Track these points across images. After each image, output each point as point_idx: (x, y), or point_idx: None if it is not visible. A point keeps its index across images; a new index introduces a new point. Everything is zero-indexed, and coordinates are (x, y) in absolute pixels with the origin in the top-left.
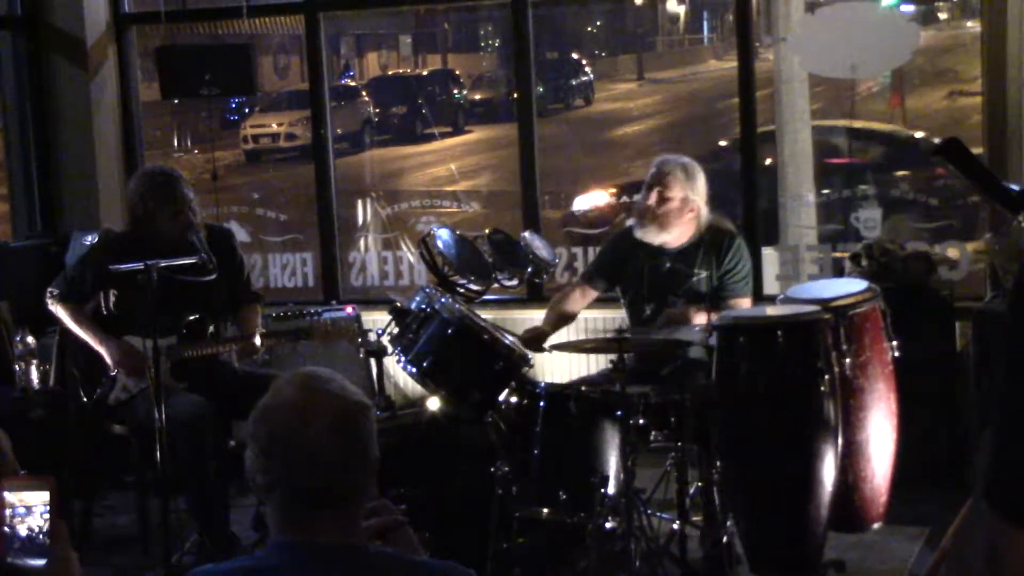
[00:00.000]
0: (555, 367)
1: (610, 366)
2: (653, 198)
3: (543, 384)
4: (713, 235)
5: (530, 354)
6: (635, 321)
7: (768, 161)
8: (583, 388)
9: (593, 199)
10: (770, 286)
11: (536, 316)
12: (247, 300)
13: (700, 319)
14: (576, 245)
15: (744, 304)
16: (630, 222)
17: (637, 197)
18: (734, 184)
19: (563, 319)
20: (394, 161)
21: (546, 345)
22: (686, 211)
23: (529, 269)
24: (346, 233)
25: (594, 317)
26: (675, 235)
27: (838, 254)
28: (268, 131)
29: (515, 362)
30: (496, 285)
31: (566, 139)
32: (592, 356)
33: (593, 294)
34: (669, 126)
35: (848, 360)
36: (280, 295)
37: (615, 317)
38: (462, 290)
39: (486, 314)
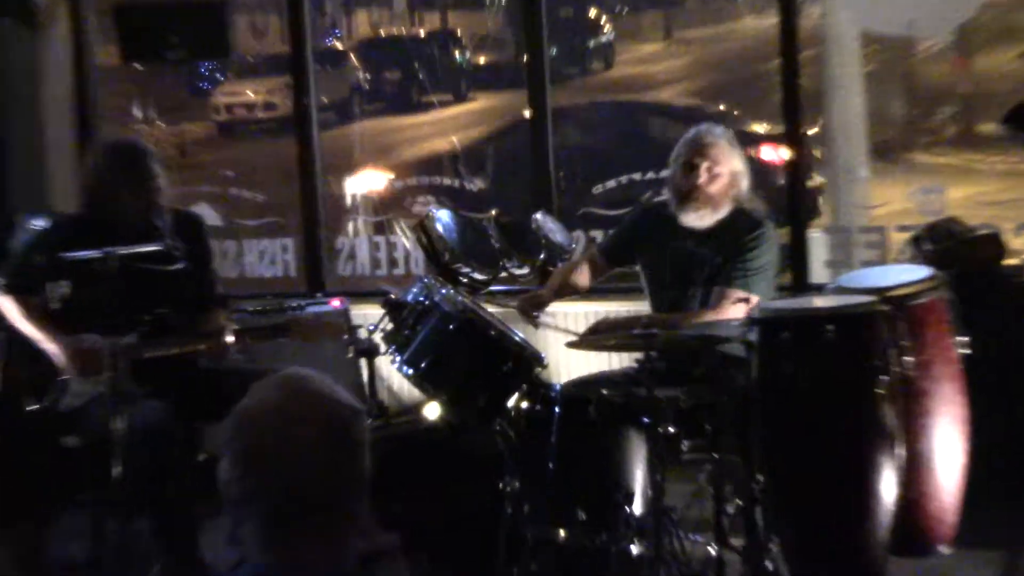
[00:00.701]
0: (572, 367)
1: (635, 365)
2: (703, 175)
3: (558, 387)
4: (740, 217)
5: (544, 355)
6: (659, 311)
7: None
8: (604, 392)
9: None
10: (818, 273)
11: (551, 310)
12: (209, 304)
13: (721, 314)
14: (595, 228)
15: (729, 300)
16: (663, 198)
17: (667, 172)
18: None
19: (566, 288)
20: (387, 134)
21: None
22: (731, 189)
23: (542, 255)
24: (333, 216)
25: (615, 310)
26: (714, 213)
27: (897, 236)
28: (243, 100)
29: (526, 362)
30: (504, 274)
31: (583, 109)
32: (614, 355)
33: (605, 269)
34: (700, 92)
35: (909, 358)
36: (257, 286)
37: (636, 310)
38: (465, 280)
39: (493, 308)
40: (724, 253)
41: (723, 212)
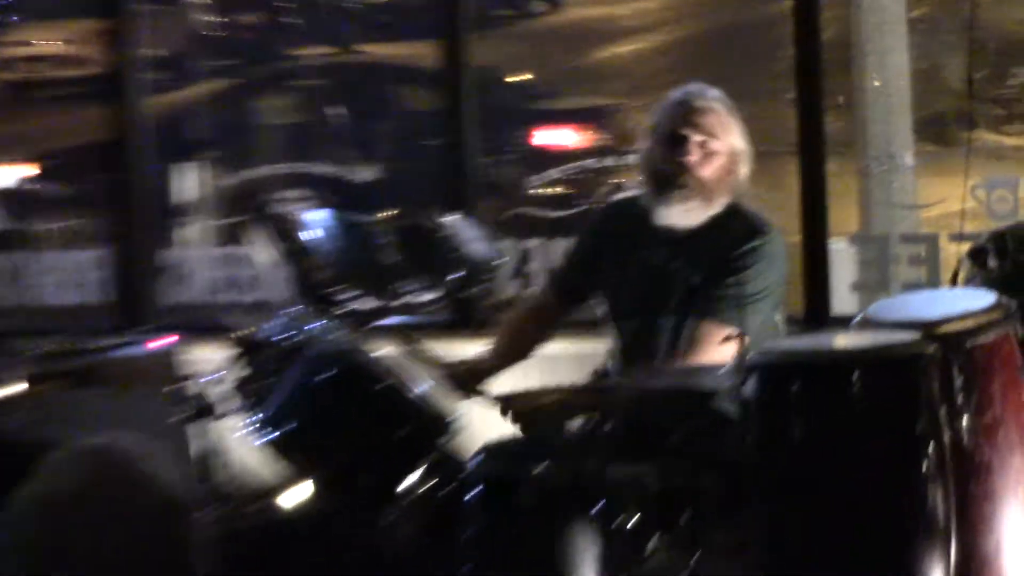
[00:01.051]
0: (496, 431)
1: (585, 430)
2: (695, 151)
3: (476, 460)
4: (735, 217)
5: (457, 412)
6: (627, 355)
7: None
8: (540, 467)
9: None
10: (842, 301)
11: (472, 350)
12: None
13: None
14: (532, 235)
15: (713, 339)
16: (632, 193)
17: (635, 155)
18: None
19: (519, 349)
20: (240, 102)
21: (488, 388)
22: (729, 175)
23: (457, 275)
24: (162, 218)
25: (557, 354)
26: (707, 207)
27: (952, 248)
28: (37, 52)
29: (431, 425)
30: (403, 301)
31: (519, 65)
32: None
33: (569, 310)
34: (684, 45)
35: (966, 420)
36: (52, 317)
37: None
38: (347, 310)
39: (386, 350)
40: (708, 268)
41: (716, 207)
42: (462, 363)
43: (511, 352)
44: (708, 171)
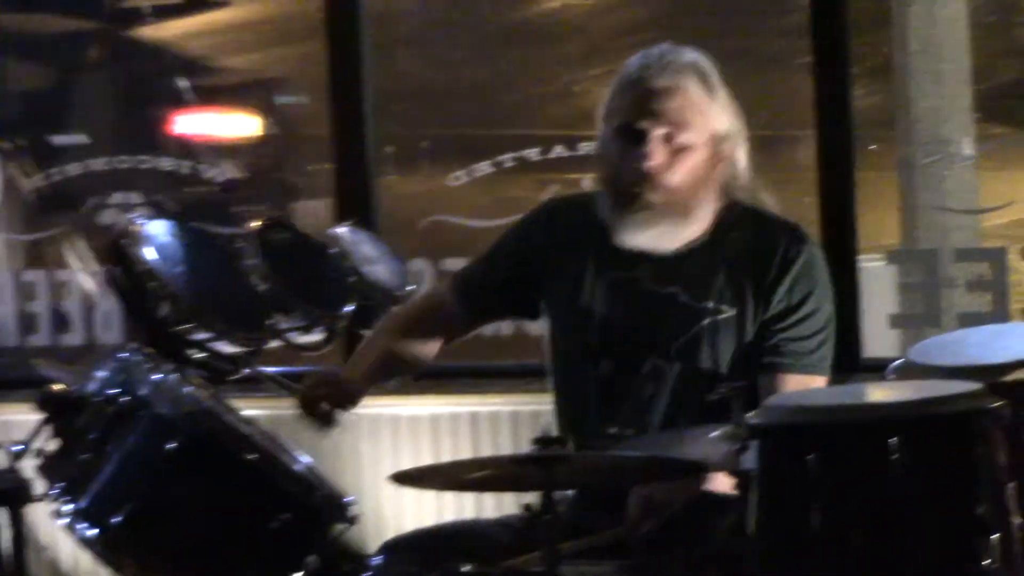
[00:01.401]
0: (406, 512)
1: (525, 515)
2: (657, 150)
3: (377, 559)
4: (747, 220)
5: (350, 500)
6: (586, 410)
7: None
8: (464, 569)
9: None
10: (876, 340)
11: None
12: None
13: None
14: (449, 255)
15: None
16: (587, 191)
17: (591, 144)
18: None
19: (391, 363)
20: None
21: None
22: (713, 170)
23: (348, 307)
24: None
25: (491, 413)
26: (688, 223)
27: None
28: None
29: (320, 510)
30: (276, 342)
31: (429, 21)
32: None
33: (462, 325)
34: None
35: None
36: None
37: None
38: (202, 354)
39: (257, 409)
40: (733, 295)
41: (702, 219)
42: (316, 375)
43: (382, 366)
44: (679, 175)
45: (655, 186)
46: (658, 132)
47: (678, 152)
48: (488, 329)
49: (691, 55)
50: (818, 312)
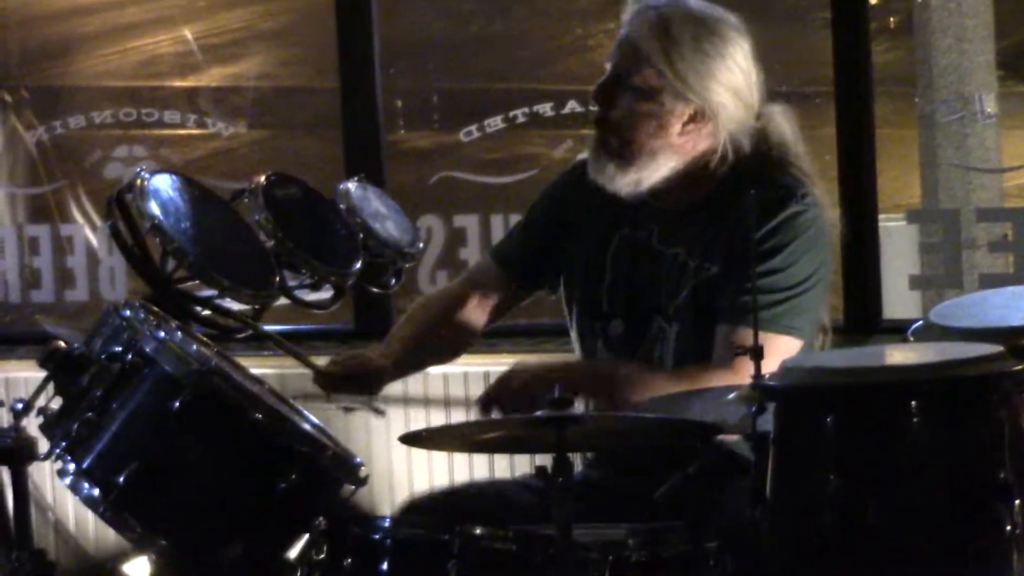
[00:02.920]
0: (416, 474)
1: (537, 478)
2: (610, 83)
3: (387, 521)
4: (745, 179)
5: (359, 459)
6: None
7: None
8: (477, 531)
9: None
10: (896, 303)
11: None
12: None
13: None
14: (464, 211)
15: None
16: (583, 155)
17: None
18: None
19: (433, 342)
20: (54, 22)
21: (382, 400)
22: (678, 123)
23: (357, 265)
24: None
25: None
26: (660, 174)
27: None
28: None
29: (328, 472)
30: (285, 301)
31: None
32: (500, 455)
33: (513, 295)
34: None
35: None
36: None
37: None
38: (207, 312)
39: (263, 368)
40: (724, 252)
41: (662, 169)
42: (348, 356)
43: (419, 347)
44: (639, 127)
45: (609, 132)
46: (612, 73)
47: (640, 96)
48: None
49: (687, 11)
50: (791, 269)
